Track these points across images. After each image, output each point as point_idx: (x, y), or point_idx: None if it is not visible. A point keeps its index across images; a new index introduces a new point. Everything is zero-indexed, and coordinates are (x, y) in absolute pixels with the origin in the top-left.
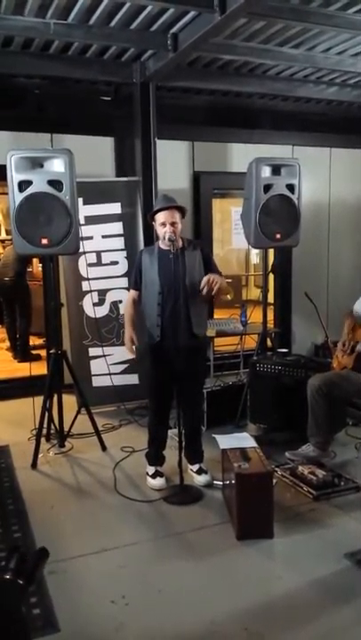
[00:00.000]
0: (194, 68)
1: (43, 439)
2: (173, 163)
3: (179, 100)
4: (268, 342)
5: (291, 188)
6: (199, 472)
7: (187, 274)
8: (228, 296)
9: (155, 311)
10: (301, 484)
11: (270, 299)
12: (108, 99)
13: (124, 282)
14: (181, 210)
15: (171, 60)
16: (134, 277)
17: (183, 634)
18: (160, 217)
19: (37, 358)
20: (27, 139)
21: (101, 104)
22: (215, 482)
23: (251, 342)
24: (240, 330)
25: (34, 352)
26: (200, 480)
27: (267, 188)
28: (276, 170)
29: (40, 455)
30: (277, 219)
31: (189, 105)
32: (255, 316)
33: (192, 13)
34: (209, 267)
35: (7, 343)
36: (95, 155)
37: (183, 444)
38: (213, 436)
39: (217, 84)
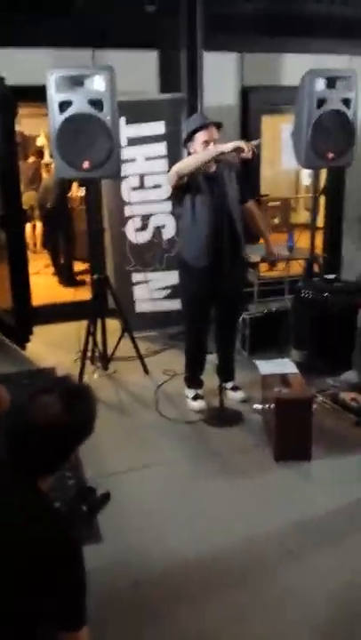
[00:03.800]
0: None
1: (87, 362)
2: (220, 77)
3: (228, 8)
4: (316, 268)
5: (346, 102)
6: (234, 389)
7: (228, 193)
8: (276, 220)
9: (204, 231)
10: (342, 409)
11: (320, 222)
12: (153, 8)
13: (167, 206)
14: (218, 126)
15: None
16: None
17: (219, 547)
18: (201, 136)
19: (82, 283)
20: (67, 57)
21: (145, 15)
22: (255, 406)
23: (298, 268)
24: (286, 255)
25: (79, 278)
26: (236, 397)
27: (320, 102)
28: (330, 82)
29: (84, 377)
30: (331, 136)
31: (239, 13)
32: (303, 240)
33: None
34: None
35: (52, 269)
36: (138, 70)
37: (220, 365)
38: (254, 361)
39: None
